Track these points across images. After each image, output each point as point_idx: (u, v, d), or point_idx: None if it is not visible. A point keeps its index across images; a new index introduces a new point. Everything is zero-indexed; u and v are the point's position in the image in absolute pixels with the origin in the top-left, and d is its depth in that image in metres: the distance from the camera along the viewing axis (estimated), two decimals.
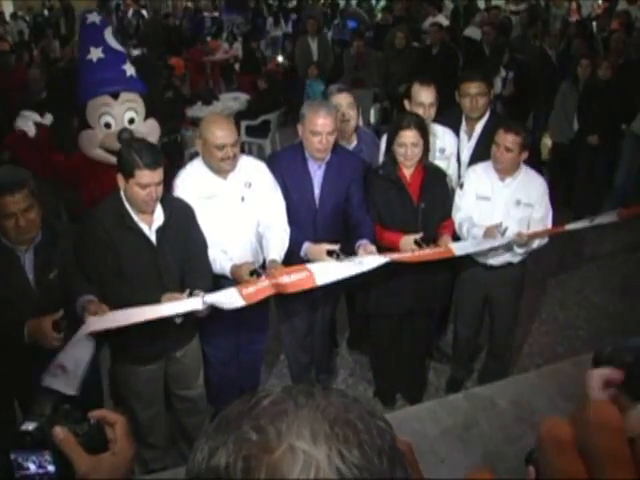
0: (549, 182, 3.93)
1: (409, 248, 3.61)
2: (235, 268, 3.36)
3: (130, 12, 18.48)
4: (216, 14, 17.57)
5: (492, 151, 3.77)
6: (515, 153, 3.68)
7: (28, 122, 4.75)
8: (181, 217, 3.24)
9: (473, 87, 4.17)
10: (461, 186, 3.96)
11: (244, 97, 9.29)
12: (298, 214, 3.67)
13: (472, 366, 4.56)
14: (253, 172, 3.57)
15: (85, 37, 4.19)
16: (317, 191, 3.71)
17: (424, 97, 4.02)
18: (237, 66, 12.32)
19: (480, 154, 4.09)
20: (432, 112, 4.05)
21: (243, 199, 3.52)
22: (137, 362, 3.26)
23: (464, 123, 4.32)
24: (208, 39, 14.12)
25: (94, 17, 4.08)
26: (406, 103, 4.15)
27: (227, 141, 3.36)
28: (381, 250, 3.60)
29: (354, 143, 4.12)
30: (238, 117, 8.68)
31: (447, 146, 4.17)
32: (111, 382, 3.61)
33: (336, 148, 3.71)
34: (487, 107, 4.27)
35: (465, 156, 4.28)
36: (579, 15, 13.85)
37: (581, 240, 6.68)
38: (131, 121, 4.11)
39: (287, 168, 3.70)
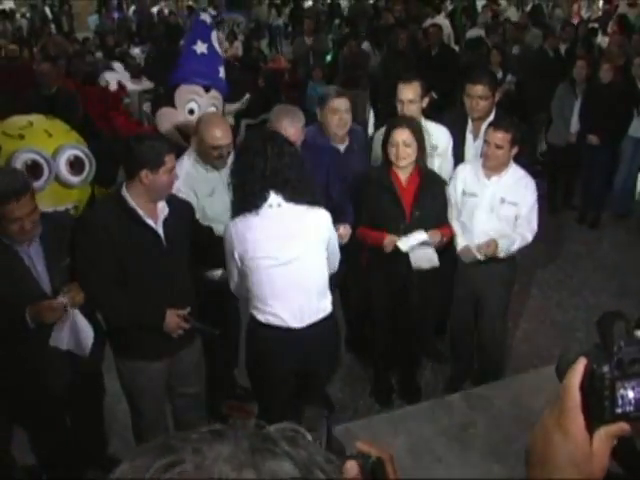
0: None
1: (390, 247, 3.68)
2: None
3: (130, 10, 18.54)
4: (214, 12, 17.56)
5: (482, 149, 3.85)
6: (505, 150, 3.73)
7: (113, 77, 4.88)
8: (184, 210, 3.26)
9: (475, 89, 4.21)
10: (450, 183, 4.02)
11: (245, 96, 9.27)
12: None
13: (471, 366, 4.54)
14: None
15: (195, 30, 4.59)
16: None
17: (402, 94, 4.06)
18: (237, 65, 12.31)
19: None
20: (413, 108, 4.05)
21: None
22: (144, 359, 3.23)
23: (470, 123, 4.35)
24: None
25: (206, 17, 4.58)
26: (398, 104, 4.17)
27: (223, 142, 3.46)
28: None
29: (346, 143, 4.11)
30: (238, 115, 8.68)
31: (440, 143, 4.18)
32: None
33: (307, 145, 3.72)
34: (489, 109, 4.28)
35: (470, 155, 4.30)
36: (580, 17, 13.88)
37: (579, 240, 6.69)
38: None
39: None
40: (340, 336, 3.33)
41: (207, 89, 4.36)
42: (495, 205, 3.83)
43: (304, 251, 2.96)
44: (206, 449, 0.63)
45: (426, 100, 4.19)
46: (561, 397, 0.92)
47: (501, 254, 3.83)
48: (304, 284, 3.00)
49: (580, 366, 0.92)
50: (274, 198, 2.89)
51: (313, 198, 3.02)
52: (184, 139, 4.14)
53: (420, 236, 3.69)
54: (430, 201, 3.78)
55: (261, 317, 3.03)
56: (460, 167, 4.04)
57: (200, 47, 4.35)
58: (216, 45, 4.46)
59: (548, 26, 11.35)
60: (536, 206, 3.90)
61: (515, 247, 3.87)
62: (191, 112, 4.30)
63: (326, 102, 4.01)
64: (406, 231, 3.72)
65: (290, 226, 2.93)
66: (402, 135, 3.65)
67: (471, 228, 3.91)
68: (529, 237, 3.89)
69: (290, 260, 2.92)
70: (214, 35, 4.48)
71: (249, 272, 2.97)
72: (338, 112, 3.96)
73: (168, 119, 4.34)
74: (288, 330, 3.01)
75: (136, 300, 3.06)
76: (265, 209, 2.89)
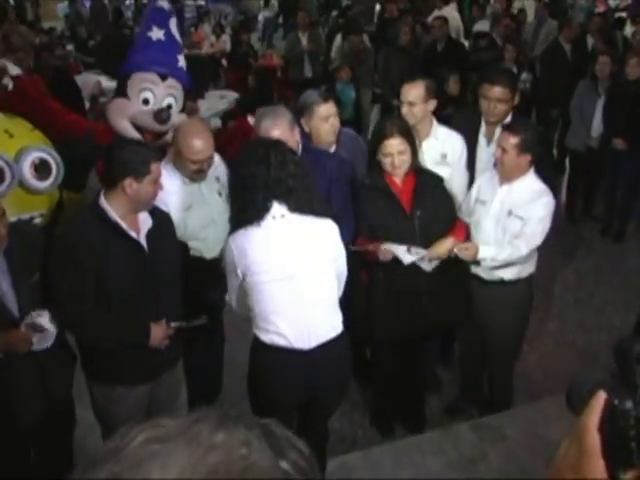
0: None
1: (389, 255, 3.61)
2: None
3: (106, 1, 18.65)
4: (201, 2, 17.63)
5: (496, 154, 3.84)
6: (512, 155, 3.65)
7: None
8: (167, 221, 3.30)
9: (493, 91, 4.16)
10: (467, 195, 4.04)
11: (232, 96, 9.29)
12: None
13: (480, 392, 4.52)
14: (218, 164, 3.70)
15: (151, 16, 4.59)
16: None
17: (404, 95, 4.07)
18: (224, 61, 12.34)
19: None
20: (416, 110, 4.04)
21: (220, 194, 3.65)
22: (124, 384, 3.22)
23: (484, 126, 4.32)
24: (192, 30, 14.18)
25: (164, 3, 4.57)
26: (400, 106, 4.17)
27: (203, 156, 3.48)
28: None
29: (333, 147, 4.10)
30: (226, 117, 8.71)
31: (449, 151, 4.14)
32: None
33: (308, 148, 3.75)
34: (507, 113, 4.22)
35: (483, 161, 4.26)
36: (606, 6, 13.91)
37: (602, 254, 6.70)
38: (168, 107, 4.33)
39: None
40: (350, 358, 3.29)
41: (163, 78, 4.33)
42: (502, 217, 3.79)
43: (310, 265, 2.98)
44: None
45: (433, 102, 4.12)
46: (578, 438, 0.89)
47: (486, 262, 3.76)
48: (310, 300, 3.00)
49: (600, 401, 0.88)
50: (277, 209, 2.91)
51: (319, 208, 3.04)
52: (139, 132, 4.18)
53: (422, 252, 3.63)
54: (430, 198, 3.76)
55: (265, 337, 3.03)
56: (480, 176, 4.05)
57: (156, 33, 4.35)
58: (175, 32, 4.47)
59: (567, 17, 11.38)
60: (547, 222, 3.76)
61: (502, 257, 3.73)
62: (145, 102, 4.27)
63: (312, 110, 3.94)
64: (410, 232, 3.68)
65: (295, 238, 2.96)
66: (395, 145, 3.63)
67: (475, 238, 3.87)
68: (523, 250, 3.75)
69: (294, 274, 2.94)
70: (172, 22, 4.48)
71: (251, 288, 2.98)
72: (329, 118, 3.96)
73: (120, 111, 4.30)
74: (294, 352, 3.00)
75: (119, 316, 3.08)
76: (268, 220, 2.91)
